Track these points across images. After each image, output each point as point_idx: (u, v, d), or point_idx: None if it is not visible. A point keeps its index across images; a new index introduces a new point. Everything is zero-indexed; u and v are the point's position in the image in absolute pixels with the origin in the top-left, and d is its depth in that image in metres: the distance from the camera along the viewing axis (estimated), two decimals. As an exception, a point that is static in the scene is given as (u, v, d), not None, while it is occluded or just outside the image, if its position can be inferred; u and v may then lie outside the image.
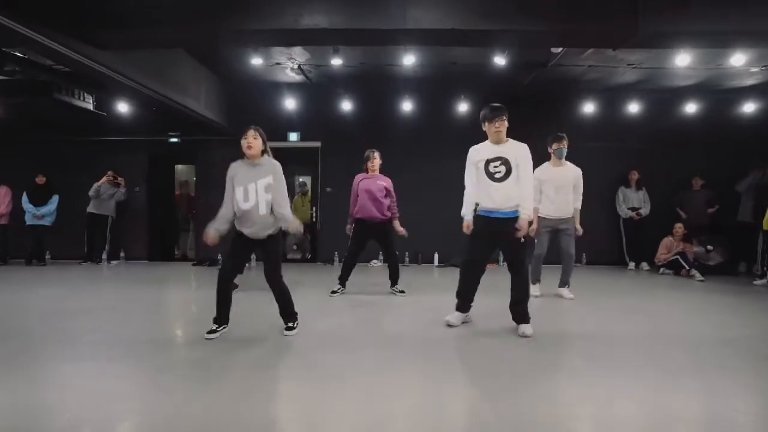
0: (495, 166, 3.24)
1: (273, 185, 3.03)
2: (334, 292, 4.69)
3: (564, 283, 4.73)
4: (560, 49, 4.96)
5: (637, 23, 3.41)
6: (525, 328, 3.23)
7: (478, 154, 3.33)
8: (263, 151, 3.09)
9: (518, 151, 3.26)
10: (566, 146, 4.52)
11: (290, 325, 3.25)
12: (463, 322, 3.52)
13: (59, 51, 3.53)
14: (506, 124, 3.28)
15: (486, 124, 3.31)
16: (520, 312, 3.30)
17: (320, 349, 2.98)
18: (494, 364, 2.72)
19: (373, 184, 4.61)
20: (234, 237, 3.18)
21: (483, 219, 3.31)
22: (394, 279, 4.78)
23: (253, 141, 2.99)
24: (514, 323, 3.35)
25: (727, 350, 2.97)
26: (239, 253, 3.22)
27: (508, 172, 3.22)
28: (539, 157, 4.75)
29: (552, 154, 4.57)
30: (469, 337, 3.24)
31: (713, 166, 7.22)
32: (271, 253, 3.17)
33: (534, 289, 4.46)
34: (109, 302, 4.45)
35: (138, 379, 2.50)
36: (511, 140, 3.33)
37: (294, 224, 3.12)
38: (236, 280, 4.59)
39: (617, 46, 3.87)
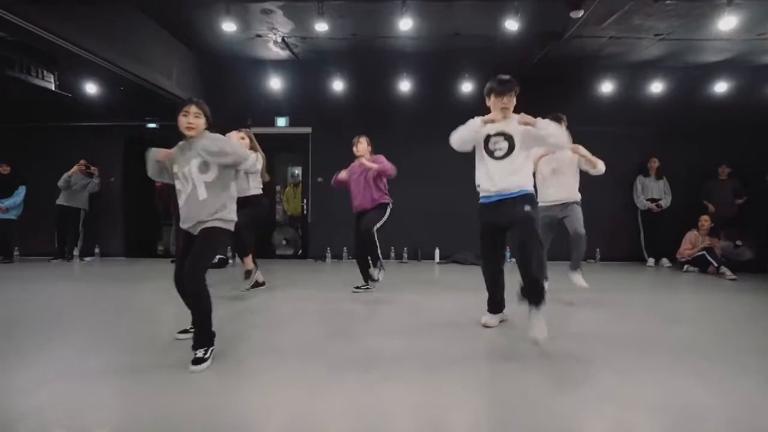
0: (495, 142, 2.84)
1: (211, 150, 2.43)
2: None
3: (575, 266, 4.07)
4: (580, 14, 4.30)
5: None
6: (538, 330, 2.61)
7: (481, 125, 2.85)
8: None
9: (520, 126, 2.80)
10: (564, 126, 3.78)
11: (200, 355, 2.28)
12: (501, 321, 3.16)
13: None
14: (514, 101, 2.84)
15: (492, 97, 2.85)
16: (535, 292, 2.69)
17: (301, 356, 2.46)
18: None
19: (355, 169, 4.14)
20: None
21: (484, 208, 2.94)
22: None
23: (194, 119, 2.44)
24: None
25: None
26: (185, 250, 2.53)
27: (511, 149, 2.80)
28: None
29: None
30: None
31: (742, 153, 6.61)
32: (201, 250, 2.42)
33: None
34: (78, 303, 3.97)
35: (107, 388, 2.10)
36: (515, 116, 2.84)
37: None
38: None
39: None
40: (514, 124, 2.79)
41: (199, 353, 2.27)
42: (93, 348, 2.66)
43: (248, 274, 4.09)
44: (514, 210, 2.78)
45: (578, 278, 4.06)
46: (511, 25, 4.08)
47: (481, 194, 2.97)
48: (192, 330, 2.48)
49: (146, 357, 2.47)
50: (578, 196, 4.03)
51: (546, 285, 3.90)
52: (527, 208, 2.76)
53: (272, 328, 3.11)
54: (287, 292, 4.34)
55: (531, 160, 2.91)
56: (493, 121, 2.79)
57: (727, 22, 3.82)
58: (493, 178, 2.83)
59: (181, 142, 2.52)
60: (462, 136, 2.89)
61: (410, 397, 2.01)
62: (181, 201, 2.46)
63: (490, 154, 2.84)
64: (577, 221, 3.98)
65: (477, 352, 2.63)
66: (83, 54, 4.35)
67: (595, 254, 6.99)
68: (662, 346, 2.74)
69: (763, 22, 4.70)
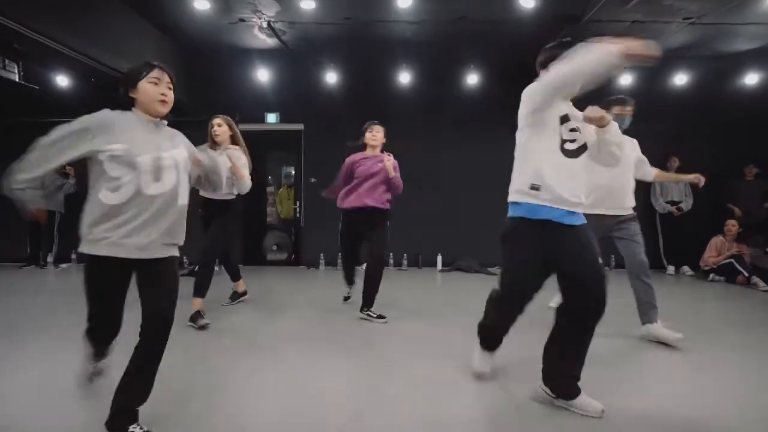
0: (571, 130, 1.97)
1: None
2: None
3: (649, 319, 3.10)
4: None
5: None
6: (590, 406, 1.95)
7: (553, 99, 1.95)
8: None
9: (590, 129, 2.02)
10: (631, 113, 3.26)
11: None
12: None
13: None
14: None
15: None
16: (570, 381, 1.99)
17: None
18: None
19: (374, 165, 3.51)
20: None
21: (537, 225, 1.96)
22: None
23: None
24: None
25: None
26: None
27: (582, 148, 1.99)
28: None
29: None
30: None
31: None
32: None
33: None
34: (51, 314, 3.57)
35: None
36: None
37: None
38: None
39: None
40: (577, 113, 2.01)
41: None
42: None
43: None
44: (585, 253, 1.94)
45: (661, 332, 3.32)
46: (527, 2, 3.54)
47: (529, 200, 1.98)
48: None
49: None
50: (633, 204, 3.37)
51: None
52: (601, 260, 1.97)
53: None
54: (275, 313, 3.82)
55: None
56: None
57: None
58: (563, 182, 1.93)
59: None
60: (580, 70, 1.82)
61: None
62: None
63: (562, 144, 1.95)
64: (642, 255, 3.24)
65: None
66: (42, 40, 3.89)
67: (610, 262, 6.50)
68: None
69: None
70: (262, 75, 6.10)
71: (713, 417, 1.94)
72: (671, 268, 6.33)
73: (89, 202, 1.74)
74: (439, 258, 6.49)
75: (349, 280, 3.87)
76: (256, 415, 1.94)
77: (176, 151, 1.88)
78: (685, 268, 6.27)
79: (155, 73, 1.86)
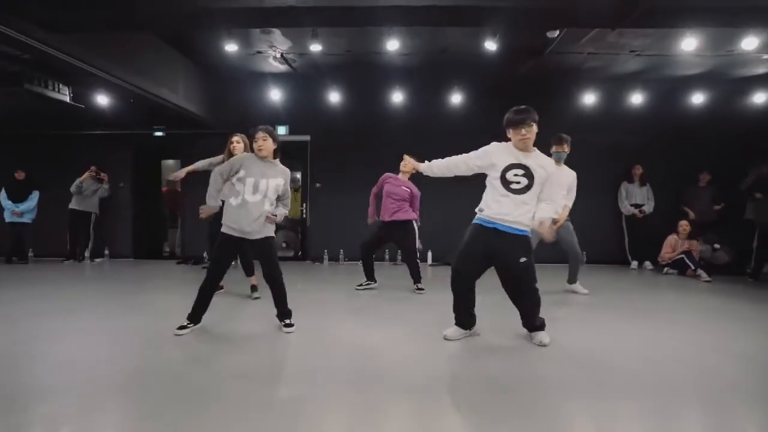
0: (515, 175, 2.74)
1: (284, 188, 3.14)
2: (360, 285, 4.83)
3: (573, 280, 4.78)
4: (556, 33, 4.62)
5: (637, -1, 3.08)
6: (541, 336, 2.92)
7: (501, 155, 2.80)
8: (275, 153, 3.15)
9: (545, 168, 2.79)
10: (566, 149, 4.25)
11: (287, 321, 3.20)
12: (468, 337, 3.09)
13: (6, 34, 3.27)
14: (535, 129, 2.75)
15: (510, 130, 2.77)
16: (533, 322, 2.96)
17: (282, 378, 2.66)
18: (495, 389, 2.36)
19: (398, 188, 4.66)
20: (221, 240, 3.09)
21: (481, 229, 2.84)
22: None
23: (263, 142, 3.03)
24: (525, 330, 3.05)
25: (733, 362, 2.67)
26: (227, 257, 3.15)
27: (528, 187, 2.73)
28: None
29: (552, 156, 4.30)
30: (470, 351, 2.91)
31: (719, 162, 6.87)
32: (271, 255, 3.16)
33: None
34: (90, 301, 4.23)
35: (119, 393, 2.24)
36: (537, 152, 2.84)
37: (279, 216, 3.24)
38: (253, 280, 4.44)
39: (616, 25, 3.53)
40: (537, 159, 2.76)
41: (287, 321, 3.18)
42: (105, 340, 3.01)
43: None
44: (510, 255, 2.78)
45: (578, 287, 4.77)
46: (490, 45, 4.41)
47: (480, 215, 2.87)
48: (190, 326, 3.09)
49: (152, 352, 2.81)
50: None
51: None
52: (523, 259, 2.78)
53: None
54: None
55: (536, 200, 2.81)
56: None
57: (689, 43, 4.13)
58: (502, 205, 2.74)
59: (254, 155, 3.08)
60: (469, 157, 2.89)
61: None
62: (249, 200, 3.01)
63: (507, 185, 2.73)
64: (572, 243, 4.58)
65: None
66: (96, 72, 4.61)
67: (582, 257, 7.25)
68: (633, 346, 3.01)
69: (727, 41, 5.00)
70: (275, 94, 6.97)
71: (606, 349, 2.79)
72: (635, 263, 7.04)
73: None
74: (430, 254, 7.31)
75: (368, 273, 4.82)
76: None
77: (273, 180, 3.08)
78: (647, 263, 6.96)
79: (255, 132, 3.09)
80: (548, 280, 4.99)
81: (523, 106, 2.78)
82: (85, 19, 3.44)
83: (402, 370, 2.47)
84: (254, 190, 2.99)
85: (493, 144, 2.87)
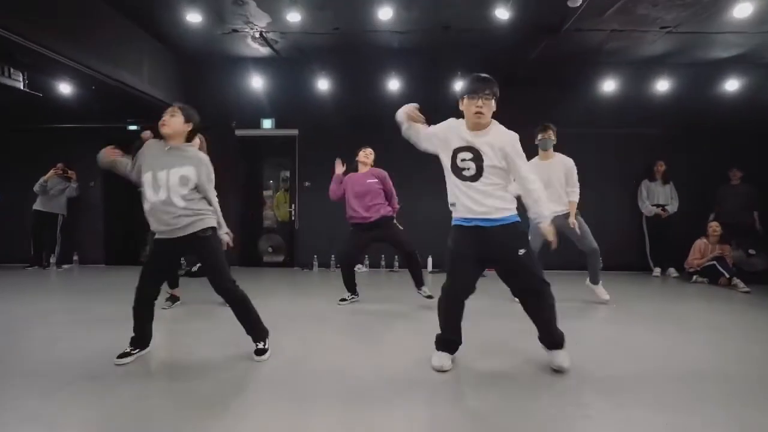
0: (462, 160, 2.35)
1: (197, 180, 2.45)
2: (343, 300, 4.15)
3: (595, 280, 4.25)
4: (579, 2, 3.92)
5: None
6: (559, 357, 2.41)
7: (449, 133, 2.39)
8: (190, 135, 2.51)
9: (501, 142, 2.31)
10: (552, 136, 4.00)
11: (260, 346, 2.56)
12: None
13: None
14: (493, 105, 2.32)
15: (465, 99, 2.33)
16: (551, 335, 2.44)
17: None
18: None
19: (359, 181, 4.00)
20: (152, 241, 2.52)
21: (462, 230, 2.40)
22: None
23: (168, 118, 2.42)
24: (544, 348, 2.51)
25: None
26: (161, 261, 2.54)
27: (479, 172, 2.32)
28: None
29: (538, 147, 4.06)
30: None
31: (755, 157, 6.23)
32: (209, 256, 2.47)
33: None
34: (51, 315, 3.70)
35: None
36: (495, 127, 2.36)
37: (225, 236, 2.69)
38: (176, 292, 3.87)
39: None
40: (489, 136, 2.31)
41: (260, 345, 2.55)
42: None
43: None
44: (505, 250, 2.35)
45: (600, 290, 4.21)
46: (502, 14, 3.71)
47: (455, 214, 2.46)
48: (135, 352, 2.53)
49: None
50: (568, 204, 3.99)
51: None
52: (522, 251, 2.34)
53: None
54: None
55: (505, 178, 2.38)
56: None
57: (743, 9, 3.43)
58: (464, 202, 2.37)
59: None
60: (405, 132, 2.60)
61: None
62: (151, 200, 2.39)
63: (458, 173, 2.37)
64: (587, 238, 4.03)
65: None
66: (45, 52, 4.07)
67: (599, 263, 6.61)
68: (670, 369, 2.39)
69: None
70: (257, 82, 6.30)
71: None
72: (657, 270, 6.41)
73: None
74: (430, 260, 6.64)
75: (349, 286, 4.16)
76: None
77: (174, 169, 2.39)
78: (671, 270, 6.33)
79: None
80: (559, 290, 4.27)
81: (484, 75, 2.35)
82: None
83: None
84: (154, 187, 2.36)
85: (449, 120, 2.44)
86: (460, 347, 2.52)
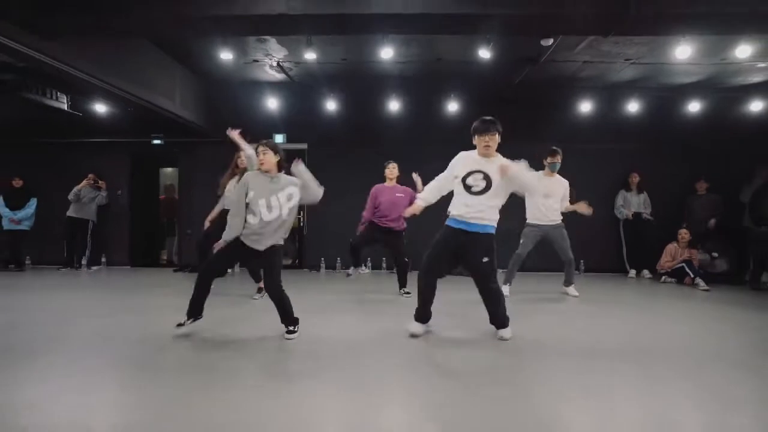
0: (474, 179, 3.11)
1: (297, 194, 3.18)
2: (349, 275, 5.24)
3: (568, 283, 5.08)
4: (550, 42, 4.64)
5: (628, 4, 3.09)
6: (504, 332, 3.19)
7: (462, 164, 3.20)
8: (279, 166, 3.18)
9: (500, 168, 3.07)
10: (559, 160, 4.76)
11: (290, 329, 3.19)
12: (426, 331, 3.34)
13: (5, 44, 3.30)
14: (497, 139, 3.12)
15: (476, 137, 3.15)
16: (498, 319, 3.22)
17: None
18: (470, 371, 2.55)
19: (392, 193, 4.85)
20: (231, 242, 3.14)
21: (450, 229, 3.17)
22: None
23: (263, 156, 3.08)
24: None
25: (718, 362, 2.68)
26: (231, 257, 3.30)
27: (487, 188, 3.08)
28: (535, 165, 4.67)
29: (546, 166, 4.80)
30: (441, 345, 3.05)
31: (718, 169, 6.87)
32: (275, 264, 3.16)
33: (504, 290, 4.29)
34: (82, 309, 4.25)
35: (121, 384, 2.41)
36: (500, 156, 3.17)
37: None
38: (261, 284, 4.52)
39: (608, 32, 3.54)
40: (495, 165, 3.06)
41: (290, 328, 3.16)
42: (98, 346, 3.00)
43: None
44: (475, 255, 3.07)
45: (571, 290, 5.05)
46: (484, 53, 4.42)
47: (450, 217, 3.21)
48: (188, 321, 3.16)
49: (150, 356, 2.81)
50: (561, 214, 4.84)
51: (507, 289, 4.68)
52: (486, 259, 3.05)
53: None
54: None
55: (503, 199, 3.15)
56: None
57: (683, 51, 4.13)
58: (467, 205, 3.08)
59: (257, 172, 3.14)
60: (442, 176, 3.30)
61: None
62: (266, 219, 3.03)
63: (468, 189, 3.10)
64: (565, 249, 4.86)
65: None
66: (91, 80, 4.64)
67: (580, 266, 7.23)
68: (620, 347, 3.07)
69: (720, 50, 5.01)
70: (272, 103, 7.00)
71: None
72: (633, 272, 6.99)
73: None
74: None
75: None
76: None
77: (282, 192, 3.13)
78: (645, 272, 6.91)
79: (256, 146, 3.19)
80: (537, 285, 5.52)
81: (489, 117, 3.14)
82: (76, 24, 3.45)
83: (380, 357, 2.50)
84: (269, 210, 3.04)
85: (460, 154, 3.25)
86: (432, 321, 3.32)
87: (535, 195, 4.43)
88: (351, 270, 5.20)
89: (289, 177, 3.22)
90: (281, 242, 3.18)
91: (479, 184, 3.07)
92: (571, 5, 3.21)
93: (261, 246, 3.08)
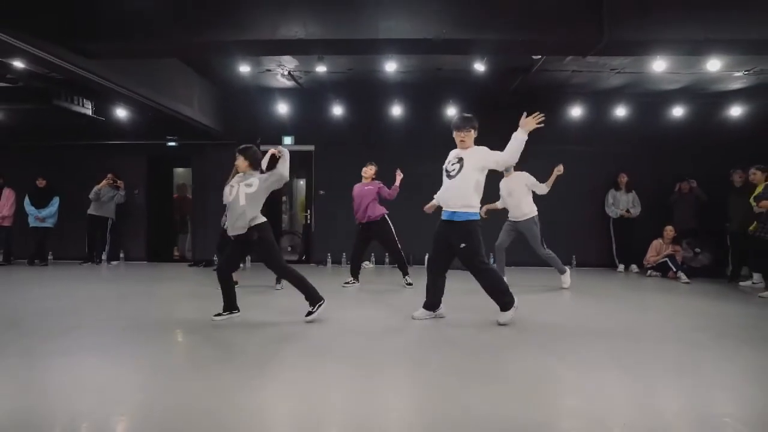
0: (452, 165, 3.43)
1: (257, 183, 3.52)
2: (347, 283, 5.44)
3: (561, 271, 5.39)
4: (540, 56, 5.06)
5: (602, 31, 3.51)
6: (501, 316, 3.43)
7: (448, 158, 3.54)
8: (252, 167, 3.60)
9: (477, 153, 3.39)
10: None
11: (310, 309, 3.55)
12: (434, 318, 3.66)
13: (51, 61, 3.72)
14: (472, 134, 3.38)
15: (454, 132, 3.43)
16: (498, 299, 3.45)
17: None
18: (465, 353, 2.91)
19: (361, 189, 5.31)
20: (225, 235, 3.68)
21: (440, 222, 3.53)
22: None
23: (237, 161, 3.58)
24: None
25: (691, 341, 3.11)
26: (233, 250, 3.65)
27: (459, 171, 3.34)
28: (529, 167, 5.15)
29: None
30: (441, 328, 3.46)
31: (701, 170, 7.24)
32: (267, 250, 3.56)
33: None
34: (104, 298, 4.67)
35: (139, 366, 2.69)
36: (477, 148, 3.43)
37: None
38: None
39: (585, 53, 3.96)
40: (469, 152, 3.36)
41: (311, 309, 3.55)
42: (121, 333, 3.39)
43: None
44: (455, 242, 3.35)
45: (566, 278, 5.39)
46: (479, 67, 4.85)
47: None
48: (225, 314, 3.59)
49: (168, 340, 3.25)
50: (531, 213, 5.13)
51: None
52: (463, 245, 3.30)
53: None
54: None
55: (477, 176, 3.32)
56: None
57: (659, 65, 4.55)
58: (444, 194, 3.44)
59: None
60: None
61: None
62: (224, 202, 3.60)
63: (447, 174, 3.44)
64: (535, 246, 5.20)
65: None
66: (120, 90, 4.99)
67: (571, 260, 7.64)
68: (604, 332, 3.47)
69: (694, 63, 5.43)
70: (281, 108, 7.42)
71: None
72: (621, 267, 7.38)
73: None
74: (427, 257, 7.66)
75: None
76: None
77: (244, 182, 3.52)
78: (633, 266, 7.31)
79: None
80: (532, 278, 5.92)
81: (467, 115, 3.46)
82: (121, 49, 3.89)
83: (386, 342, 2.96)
84: (230, 193, 3.52)
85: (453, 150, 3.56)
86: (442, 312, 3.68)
87: (509, 169, 4.87)
88: (349, 279, 5.45)
89: (258, 174, 3.62)
90: (245, 231, 3.46)
91: (455, 167, 3.36)
92: (552, 32, 3.62)
93: (233, 231, 3.48)
